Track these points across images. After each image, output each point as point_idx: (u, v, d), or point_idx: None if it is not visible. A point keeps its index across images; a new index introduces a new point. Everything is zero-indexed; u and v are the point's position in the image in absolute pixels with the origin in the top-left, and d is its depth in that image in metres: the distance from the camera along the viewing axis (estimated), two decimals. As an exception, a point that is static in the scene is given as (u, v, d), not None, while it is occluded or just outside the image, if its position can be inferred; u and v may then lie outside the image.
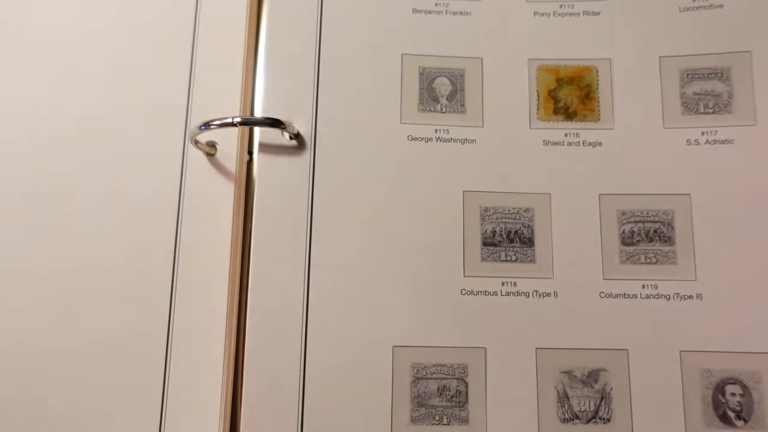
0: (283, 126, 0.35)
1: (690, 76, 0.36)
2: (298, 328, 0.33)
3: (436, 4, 0.38)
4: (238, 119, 0.34)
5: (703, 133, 0.35)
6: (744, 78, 0.35)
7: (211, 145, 0.37)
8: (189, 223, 0.35)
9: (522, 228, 0.35)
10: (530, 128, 0.36)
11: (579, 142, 0.36)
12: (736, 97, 0.35)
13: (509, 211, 0.35)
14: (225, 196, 0.36)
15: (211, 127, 0.34)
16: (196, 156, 0.37)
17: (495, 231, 0.35)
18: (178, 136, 0.36)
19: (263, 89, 0.36)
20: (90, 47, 0.38)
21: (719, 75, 0.36)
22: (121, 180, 0.36)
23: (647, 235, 0.35)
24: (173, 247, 0.35)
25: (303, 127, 0.36)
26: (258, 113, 0.36)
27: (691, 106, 0.36)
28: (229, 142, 0.37)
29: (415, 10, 0.38)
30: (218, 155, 0.37)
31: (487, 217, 0.35)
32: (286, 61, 0.37)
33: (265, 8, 0.38)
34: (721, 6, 0.36)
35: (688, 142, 0.35)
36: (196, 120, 0.36)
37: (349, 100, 0.37)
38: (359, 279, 0.34)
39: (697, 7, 0.37)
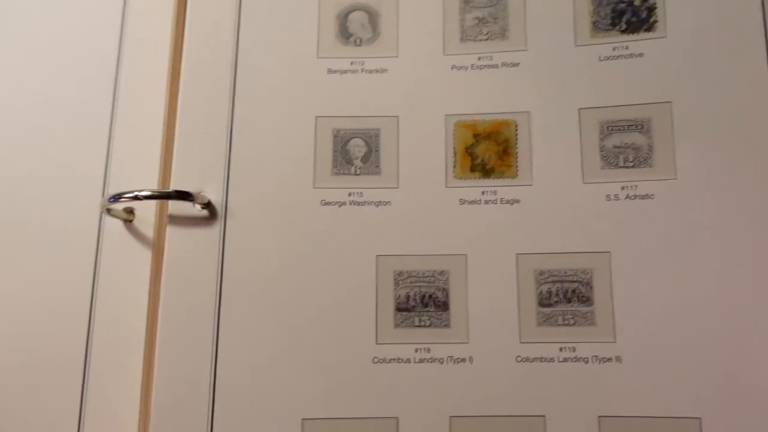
0: (191, 198, 0.35)
1: (610, 128, 0.35)
2: (206, 401, 0.33)
3: (352, 63, 0.38)
4: (146, 192, 0.35)
5: (623, 188, 0.34)
6: (664, 130, 0.34)
7: (129, 211, 0.37)
8: (105, 293, 0.36)
9: (437, 291, 0.34)
10: (446, 187, 0.36)
11: (496, 200, 0.35)
12: (656, 150, 0.34)
13: (424, 274, 0.35)
14: (143, 264, 0.36)
15: (121, 200, 0.35)
16: (114, 222, 0.37)
17: (409, 296, 0.35)
18: (95, 203, 0.37)
19: (175, 159, 0.36)
20: (6, 112, 0.39)
21: (639, 127, 0.34)
22: (35, 247, 0.37)
23: (565, 296, 0.34)
24: (88, 317, 0.36)
25: (214, 195, 0.36)
26: (171, 183, 0.36)
27: (611, 159, 0.34)
28: (147, 207, 0.37)
29: (330, 71, 0.37)
30: (136, 222, 0.37)
31: (401, 282, 0.35)
32: (199, 129, 0.37)
33: (182, 76, 0.38)
34: (641, 55, 0.35)
35: (608, 197, 0.34)
36: (114, 188, 0.37)
37: (262, 166, 0.36)
38: (269, 350, 0.34)
39: (617, 56, 0.35)
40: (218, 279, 0.35)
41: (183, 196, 0.35)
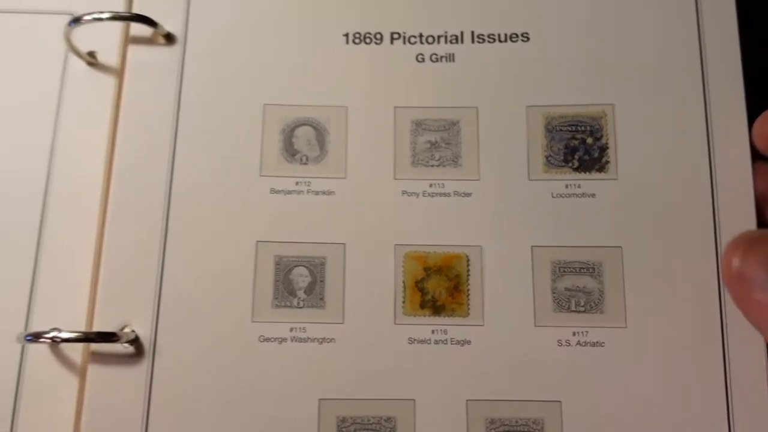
0: (115, 339, 0.31)
1: (562, 269, 0.34)
2: None
3: (297, 183, 0.35)
4: (65, 335, 0.31)
5: (574, 334, 0.33)
6: (615, 274, 0.33)
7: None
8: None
9: (383, 440, 0.33)
10: (395, 324, 0.33)
11: (447, 340, 0.33)
12: (607, 296, 0.33)
13: (369, 420, 0.32)
14: (69, 394, 0.32)
15: (40, 341, 0.31)
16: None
17: (353, 445, 0.32)
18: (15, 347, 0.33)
19: (99, 297, 0.33)
20: None
21: (591, 270, 0.34)
22: None
23: (516, 448, 0.33)
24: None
25: (142, 329, 0.32)
26: (95, 321, 0.32)
27: (563, 302, 0.34)
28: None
29: (273, 190, 0.35)
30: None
31: (344, 429, 0.32)
32: (126, 256, 0.33)
33: (110, 195, 0.34)
34: (593, 195, 0.34)
35: (559, 342, 0.33)
36: (37, 325, 0.33)
37: (196, 298, 0.33)
38: None
39: (570, 195, 0.34)
40: (143, 424, 0.31)
41: (106, 337, 0.31)
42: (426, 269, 0.34)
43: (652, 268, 0.34)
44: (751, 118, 0.34)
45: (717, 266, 0.33)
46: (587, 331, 0.33)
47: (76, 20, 0.34)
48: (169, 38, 0.37)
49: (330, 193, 0.35)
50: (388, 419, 0.33)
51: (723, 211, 0.34)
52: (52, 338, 0.30)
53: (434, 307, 0.34)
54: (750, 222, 0.33)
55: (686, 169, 0.34)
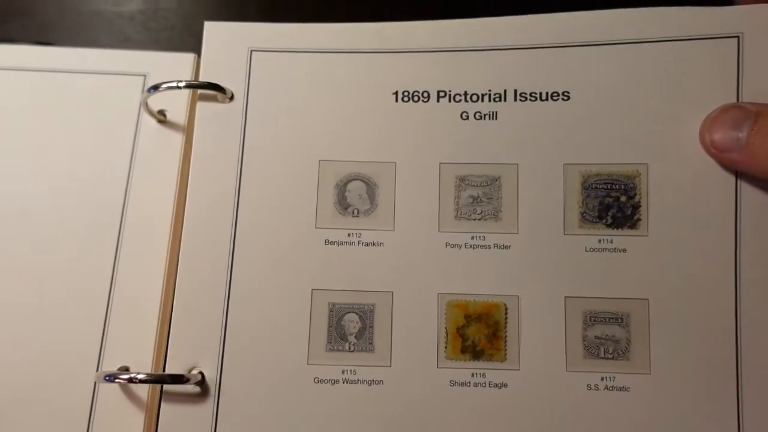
0: (185, 381, 0.34)
1: (593, 318, 0.37)
2: None
3: (349, 235, 0.38)
4: (141, 376, 0.34)
5: (602, 379, 0.36)
6: (641, 325, 0.36)
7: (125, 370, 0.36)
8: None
9: (426, 474, 0.36)
10: (437, 368, 0.37)
11: (485, 383, 0.36)
12: (633, 344, 0.36)
13: (414, 456, 0.36)
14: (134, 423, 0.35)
15: (116, 381, 0.34)
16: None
17: (399, 478, 0.36)
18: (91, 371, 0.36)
19: (170, 341, 0.36)
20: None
21: (619, 320, 0.37)
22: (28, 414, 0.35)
23: (547, 482, 0.36)
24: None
25: (208, 371, 0.36)
26: (167, 365, 0.36)
27: (593, 350, 0.37)
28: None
29: (327, 242, 0.38)
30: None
31: (392, 464, 0.36)
32: (194, 305, 0.36)
33: (181, 250, 0.37)
34: (624, 250, 0.37)
35: (588, 387, 0.36)
36: (107, 364, 0.36)
37: (257, 342, 0.36)
38: None
39: (602, 249, 0.37)
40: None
41: (177, 379, 0.34)
42: (467, 316, 0.37)
43: (676, 319, 0.36)
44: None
45: (735, 318, 0.36)
46: (614, 377, 0.36)
47: (155, 87, 0.37)
48: (232, 100, 0.39)
49: (379, 244, 0.38)
50: (432, 455, 0.36)
51: (744, 266, 0.36)
52: (129, 379, 0.34)
53: (474, 352, 0.37)
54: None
55: (711, 226, 0.37)
